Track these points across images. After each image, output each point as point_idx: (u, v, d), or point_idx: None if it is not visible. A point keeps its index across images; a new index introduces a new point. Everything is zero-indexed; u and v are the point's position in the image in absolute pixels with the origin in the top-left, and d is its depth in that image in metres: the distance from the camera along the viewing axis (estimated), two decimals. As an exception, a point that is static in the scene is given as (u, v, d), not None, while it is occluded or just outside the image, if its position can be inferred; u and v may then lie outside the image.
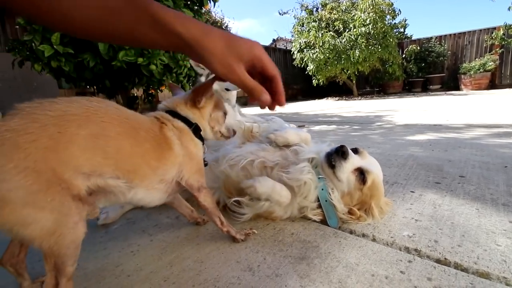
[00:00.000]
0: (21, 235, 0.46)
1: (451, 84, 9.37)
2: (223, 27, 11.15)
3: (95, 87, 3.16)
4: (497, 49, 8.82)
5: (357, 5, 8.50)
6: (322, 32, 8.50)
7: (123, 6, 0.51)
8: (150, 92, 3.49)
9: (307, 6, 9.41)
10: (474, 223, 0.81)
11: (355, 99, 8.60)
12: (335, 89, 10.53)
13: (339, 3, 9.17)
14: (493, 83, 8.72)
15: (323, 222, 0.86)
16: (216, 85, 1.48)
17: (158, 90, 3.36)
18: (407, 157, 1.57)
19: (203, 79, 1.47)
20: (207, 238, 0.82)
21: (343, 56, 8.22)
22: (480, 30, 9.33)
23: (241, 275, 0.64)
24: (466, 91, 8.58)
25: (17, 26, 3.08)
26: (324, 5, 9.20)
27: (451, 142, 1.89)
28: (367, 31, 7.92)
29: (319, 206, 0.86)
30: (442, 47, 9.67)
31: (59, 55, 2.34)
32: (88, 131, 0.51)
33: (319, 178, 0.86)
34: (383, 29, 8.05)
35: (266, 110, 0.62)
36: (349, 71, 8.66)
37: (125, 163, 0.57)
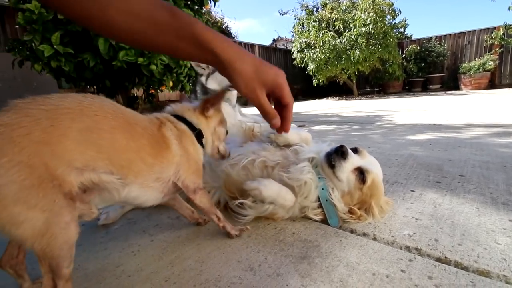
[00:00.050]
0: (13, 235, 0.45)
1: (451, 83, 9.38)
2: (223, 27, 11.14)
3: (95, 87, 3.16)
4: (497, 49, 8.83)
5: (357, 5, 8.50)
6: (323, 32, 8.50)
7: (169, 22, 0.54)
8: (151, 92, 3.49)
9: (307, 6, 9.41)
10: (474, 222, 0.82)
11: (355, 99, 8.60)
12: (335, 89, 10.53)
13: (339, 3, 9.17)
14: (493, 83, 8.73)
15: (324, 221, 0.86)
16: (216, 85, 1.48)
17: (159, 90, 3.36)
18: (407, 156, 1.57)
19: (203, 79, 1.47)
20: (208, 238, 0.82)
21: (343, 56, 8.22)
22: (480, 30, 9.34)
23: (242, 275, 0.64)
24: (466, 90, 8.58)
25: (17, 26, 3.08)
26: (324, 5, 9.21)
27: (451, 142, 1.89)
28: (367, 31, 7.92)
29: (320, 206, 0.86)
30: (442, 47, 9.68)
31: (59, 55, 2.34)
32: (81, 124, 0.50)
33: (319, 177, 0.86)
34: (383, 29, 8.05)
35: None
36: (349, 71, 8.66)
37: (119, 157, 0.56)
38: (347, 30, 8.35)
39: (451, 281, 0.59)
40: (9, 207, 0.43)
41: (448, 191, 1.05)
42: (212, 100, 0.77)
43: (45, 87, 4.40)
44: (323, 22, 8.84)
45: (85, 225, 0.94)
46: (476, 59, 9.03)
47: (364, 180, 0.83)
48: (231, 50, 0.56)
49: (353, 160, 0.84)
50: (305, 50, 8.82)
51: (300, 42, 8.92)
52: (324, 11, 9.00)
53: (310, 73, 9.07)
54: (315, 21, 8.87)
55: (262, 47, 11.03)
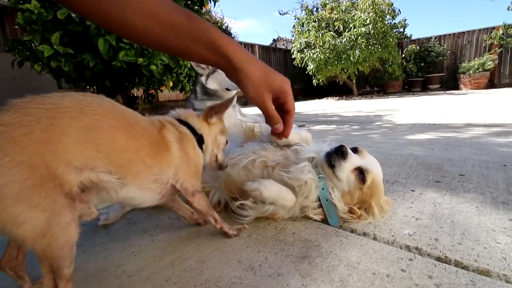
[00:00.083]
0: (14, 235, 0.45)
1: (451, 83, 9.39)
2: (223, 27, 11.14)
3: (95, 87, 3.16)
4: (496, 49, 8.84)
5: (357, 5, 8.51)
6: (322, 32, 8.51)
7: (185, 25, 0.55)
8: (150, 92, 3.49)
9: (307, 6, 9.41)
10: (474, 221, 0.82)
11: (355, 99, 8.61)
12: (335, 89, 10.54)
13: (339, 3, 9.18)
14: (492, 83, 8.74)
15: (324, 221, 0.86)
16: (216, 85, 1.48)
17: (158, 90, 3.36)
18: (407, 156, 1.57)
19: (203, 79, 1.47)
20: (208, 238, 0.82)
21: (343, 56, 8.23)
22: (479, 29, 9.35)
23: (242, 275, 0.64)
24: (465, 90, 8.59)
25: (17, 26, 3.08)
26: (324, 5, 9.21)
27: (450, 141, 1.89)
28: (367, 31, 7.93)
29: (320, 206, 0.86)
30: (442, 47, 9.69)
31: (59, 55, 2.33)
32: (81, 123, 0.50)
33: (319, 177, 0.86)
34: (383, 29, 8.06)
35: None
36: (349, 71, 8.67)
37: (118, 157, 0.56)
38: (347, 30, 8.36)
39: (451, 280, 0.59)
40: (10, 207, 0.43)
41: (448, 190, 1.06)
42: (216, 108, 0.78)
43: (45, 87, 4.40)
44: (323, 22, 8.85)
45: (85, 225, 0.94)
46: (476, 59, 9.04)
47: (364, 180, 0.83)
48: (243, 56, 0.59)
49: (353, 160, 0.84)
50: (305, 50, 8.83)
51: (300, 42, 8.93)
52: (324, 11, 9.01)
53: (310, 73, 9.07)
54: (315, 21, 8.88)
55: (262, 47, 11.03)
